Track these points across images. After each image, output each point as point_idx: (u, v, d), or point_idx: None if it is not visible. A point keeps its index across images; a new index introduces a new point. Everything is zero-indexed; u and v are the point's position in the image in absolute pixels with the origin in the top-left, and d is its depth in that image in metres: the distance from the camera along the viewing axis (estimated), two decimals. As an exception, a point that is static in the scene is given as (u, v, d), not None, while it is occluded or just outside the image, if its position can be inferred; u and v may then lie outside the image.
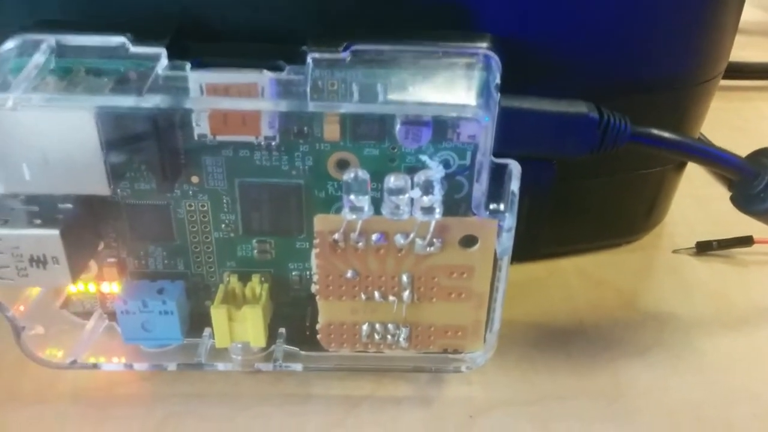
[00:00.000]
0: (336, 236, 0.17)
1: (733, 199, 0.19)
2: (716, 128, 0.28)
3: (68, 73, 0.16)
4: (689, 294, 0.23)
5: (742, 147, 0.20)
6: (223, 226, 0.18)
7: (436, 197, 0.16)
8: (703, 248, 0.24)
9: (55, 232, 0.16)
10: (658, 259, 0.24)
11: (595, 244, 0.24)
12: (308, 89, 0.16)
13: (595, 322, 0.22)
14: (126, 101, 0.15)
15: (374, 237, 0.17)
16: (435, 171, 0.16)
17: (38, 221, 0.16)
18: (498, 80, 0.16)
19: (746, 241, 0.23)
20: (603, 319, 0.22)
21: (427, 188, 0.16)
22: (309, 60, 0.16)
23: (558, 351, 0.20)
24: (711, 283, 0.23)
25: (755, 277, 0.23)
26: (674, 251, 0.24)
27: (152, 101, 0.15)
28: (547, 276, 0.23)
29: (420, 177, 0.16)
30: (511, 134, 0.16)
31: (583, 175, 0.21)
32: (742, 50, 0.38)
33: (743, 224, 0.21)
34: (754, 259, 0.24)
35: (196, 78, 0.16)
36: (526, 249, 0.20)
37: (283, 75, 0.16)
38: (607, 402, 0.19)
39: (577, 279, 0.23)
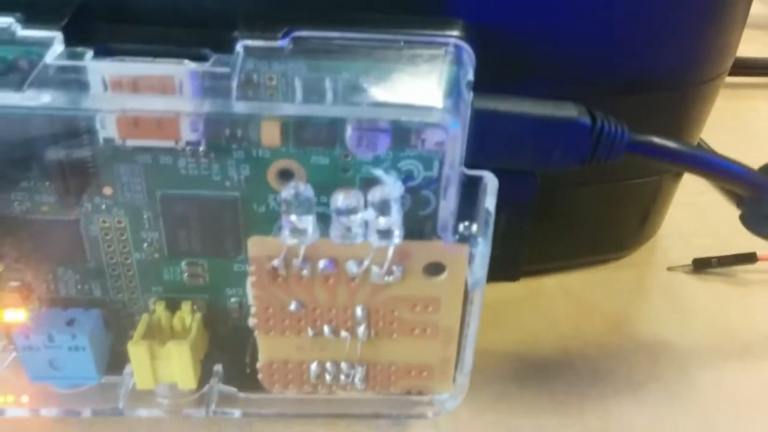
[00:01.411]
0: (275, 263, 0.14)
1: (743, 219, 0.16)
2: (713, 130, 0.25)
3: (-59, 61, 0.13)
4: (686, 319, 0.20)
5: (741, 151, 0.17)
6: (144, 245, 0.15)
7: (394, 219, 0.13)
8: (701, 266, 0.21)
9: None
10: (652, 278, 0.22)
11: (581, 261, 0.22)
12: (235, 85, 0.13)
13: (581, 351, 0.19)
14: (2, 98, 0.12)
15: (322, 264, 0.14)
16: (392, 188, 0.13)
17: None
18: (471, 76, 0.14)
19: (748, 258, 0.21)
20: (591, 349, 0.19)
21: (383, 208, 0.13)
22: (239, 48, 0.13)
23: (540, 387, 0.18)
24: (710, 306, 0.21)
25: (758, 299, 0.21)
26: (669, 269, 0.22)
27: (38, 99, 0.12)
28: (528, 297, 0.21)
29: (374, 195, 0.13)
30: (487, 142, 0.14)
31: (570, 183, 0.19)
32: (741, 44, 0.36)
33: (745, 237, 0.18)
34: (757, 278, 0.21)
35: (98, 69, 0.13)
36: (501, 270, 0.17)
37: (207, 66, 0.13)
38: (594, 448, 0.17)
39: (561, 301, 0.20)
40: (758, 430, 0.17)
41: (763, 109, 0.32)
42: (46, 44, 0.13)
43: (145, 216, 0.15)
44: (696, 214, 0.24)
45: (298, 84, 0.13)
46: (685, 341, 0.19)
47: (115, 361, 0.16)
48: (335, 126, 0.14)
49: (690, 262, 0.22)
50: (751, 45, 0.35)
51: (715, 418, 0.17)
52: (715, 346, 0.19)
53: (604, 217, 0.21)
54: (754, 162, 0.18)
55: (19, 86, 0.12)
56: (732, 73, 0.32)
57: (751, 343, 0.19)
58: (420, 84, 0.13)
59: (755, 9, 0.45)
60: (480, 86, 0.14)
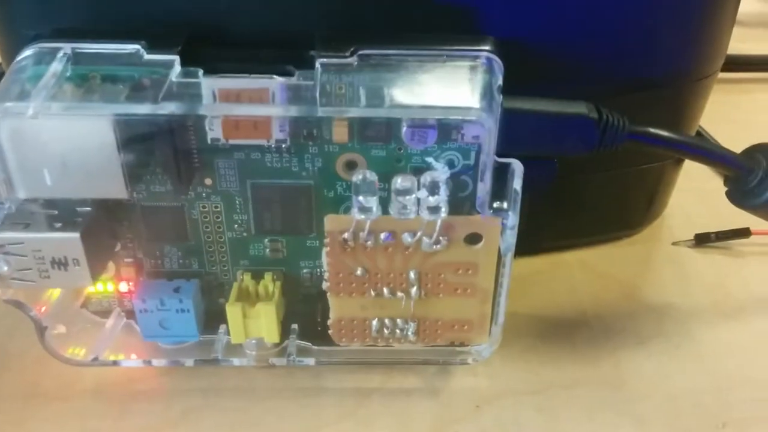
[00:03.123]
0: (346, 235, 0.17)
1: (728, 194, 0.19)
2: (715, 121, 0.28)
3: (85, 80, 0.17)
4: (688, 285, 0.23)
5: (740, 140, 0.20)
6: (235, 226, 0.19)
7: (441, 197, 0.16)
8: (702, 240, 0.24)
9: (75, 235, 0.17)
10: (658, 251, 0.25)
11: (597, 238, 0.25)
12: (317, 94, 0.16)
13: (597, 313, 0.22)
14: (142, 109, 0.15)
15: (383, 236, 0.17)
16: (441, 172, 0.16)
17: (58, 224, 0.17)
18: (500, 82, 0.17)
19: (744, 233, 0.24)
20: (605, 310, 0.22)
21: (433, 189, 0.16)
22: (318, 65, 0.17)
23: (562, 342, 0.21)
24: (709, 274, 0.24)
25: (752, 268, 0.24)
26: (674, 243, 0.25)
27: (167, 108, 0.16)
28: (550, 269, 0.24)
29: (426, 178, 0.16)
30: (514, 134, 0.17)
31: (585, 170, 0.22)
32: (741, 42, 0.39)
33: (741, 216, 0.21)
34: (751, 250, 0.24)
35: (209, 84, 0.16)
36: (529, 244, 0.20)
37: (293, 80, 0.16)
38: (609, 390, 0.20)
39: (579, 271, 0.24)
40: (747, 374, 0.20)
41: (762, 101, 0.35)
42: (166, 66, 0.16)
43: (237, 201, 0.19)
44: (697, 198, 0.27)
45: (362, 92, 0.17)
46: (687, 303, 0.22)
47: (206, 323, 0.20)
48: (392, 125, 0.17)
49: (692, 237, 0.25)
50: (752, 42, 0.39)
51: (710, 364, 0.20)
52: (713, 308, 0.22)
53: (616, 199, 0.24)
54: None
55: (155, 99, 0.16)
56: (734, 69, 0.36)
57: (744, 304, 0.22)
58: (460, 89, 0.16)
59: (755, 7, 0.48)
60: (507, 89, 0.17)
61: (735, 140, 0.21)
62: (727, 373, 0.20)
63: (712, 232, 0.24)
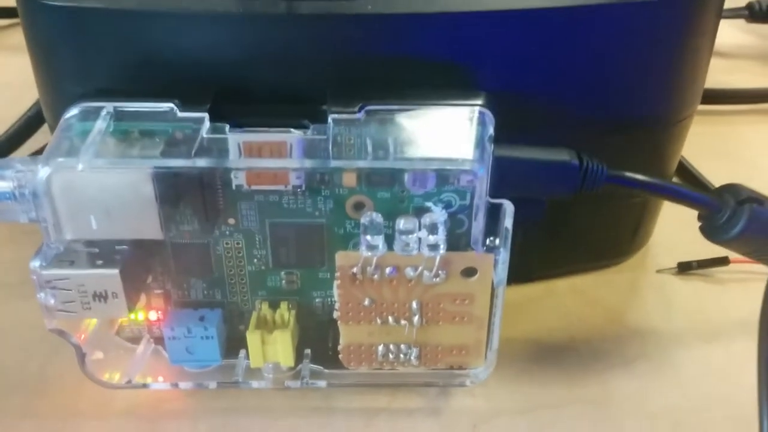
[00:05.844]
0: (355, 270, 0.19)
1: (701, 230, 0.21)
2: (699, 153, 0.30)
3: (125, 134, 0.19)
4: (671, 310, 0.25)
5: (724, 171, 0.22)
6: (255, 260, 0.21)
7: (440, 236, 0.18)
8: (684, 268, 0.26)
9: (115, 272, 0.19)
10: (643, 279, 0.27)
11: (585, 266, 0.27)
12: (330, 148, 0.18)
13: (585, 337, 0.24)
14: (178, 163, 0.18)
15: (388, 270, 0.19)
16: (439, 215, 0.18)
17: (100, 262, 0.19)
18: (491, 132, 0.19)
19: (723, 261, 0.26)
20: (593, 335, 0.24)
21: (432, 229, 0.18)
22: (330, 120, 0.19)
23: (552, 364, 0.23)
24: (691, 299, 0.25)
25: (731, 294, 0.26)
26: (658, 271, 0.27)
27: (200, 163, 0.18)
28: (543, 296, 0.26)
29: (426, 219, 0.18)
30: (504, 179, 0.19)
31: (574, 204, 0.24)
32: (727, 74, 0.41)
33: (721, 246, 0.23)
34: (730, 277, 0.26)
35: (235, 138, 0.18)
36: (522, 273, 0.22)
37: (308, 134, 0.19)
38: (596, 408, 0.22)
39: (570, 298, 0.26)
40: (723, 393, 0.22)
41: (747, 133, 0.36)
42: (197, 122, 0.19)
43: (257, 238, 0.21)
44: (680, 228, 0.28)
45: (369, 143, 0.19)
46: (669, 328, 0.24)
47: (228, 349, 0.22)
48: (395, 172, 0.19)
49: (675, 265, 0.27)
50: (737, 74, 0.41)
51: (689, 385, 0.22)
52: (693, 332, 0.24)
53: (603, 230, 0.26)
54: (736, 178, 0.22)
55: (188, 155, 0.18)
56: (720, 102, 0.38)
57: (722, 328, 0.24)
58: (456, 140, 0.19)
59: (740, 40, 0.51)
60: (497, 137, 0.19)
61: (719, 171, 0.22)
62: (704, 393, 0.22)
63: (694, 261, 0.26)
